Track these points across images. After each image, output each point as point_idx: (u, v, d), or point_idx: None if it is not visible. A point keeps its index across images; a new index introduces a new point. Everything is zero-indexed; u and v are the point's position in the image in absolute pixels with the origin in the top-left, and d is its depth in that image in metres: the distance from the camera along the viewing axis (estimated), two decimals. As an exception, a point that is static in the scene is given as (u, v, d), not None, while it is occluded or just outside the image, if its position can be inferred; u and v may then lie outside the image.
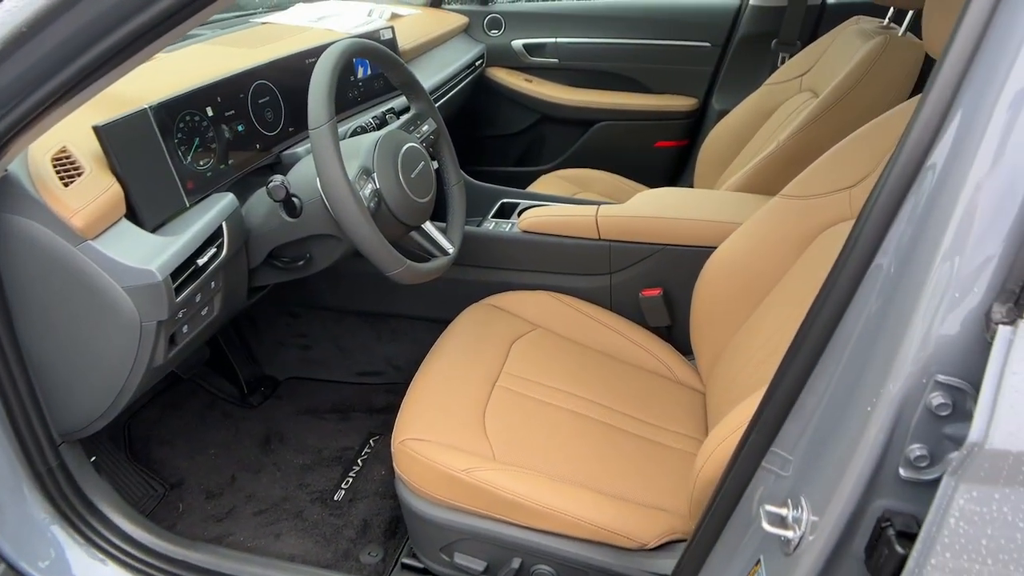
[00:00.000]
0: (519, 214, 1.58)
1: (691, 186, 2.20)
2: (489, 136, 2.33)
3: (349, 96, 1.39)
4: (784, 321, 1.03)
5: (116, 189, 0.88)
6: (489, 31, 2.18)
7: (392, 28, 1.59)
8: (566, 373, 1.21)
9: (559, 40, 2.16)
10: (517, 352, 1.25)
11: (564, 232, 1.41)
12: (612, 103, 2.17)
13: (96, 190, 0.86)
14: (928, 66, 1.37)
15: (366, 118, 1.32)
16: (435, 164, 1.29)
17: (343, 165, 0.94)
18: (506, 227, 1.51)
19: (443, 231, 1.24)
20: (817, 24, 1.96)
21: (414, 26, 1.88)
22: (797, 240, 1.12)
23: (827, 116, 1.41)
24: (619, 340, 1.34)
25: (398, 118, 1.31)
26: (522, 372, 1.19)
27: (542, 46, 2.17)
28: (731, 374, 1.12)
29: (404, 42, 1.68)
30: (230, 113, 1.08)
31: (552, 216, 1.42)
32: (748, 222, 1.20)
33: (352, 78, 1.40)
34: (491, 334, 1.29)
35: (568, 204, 1.58)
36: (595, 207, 1.40)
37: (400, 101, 1.48)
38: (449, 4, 2.21)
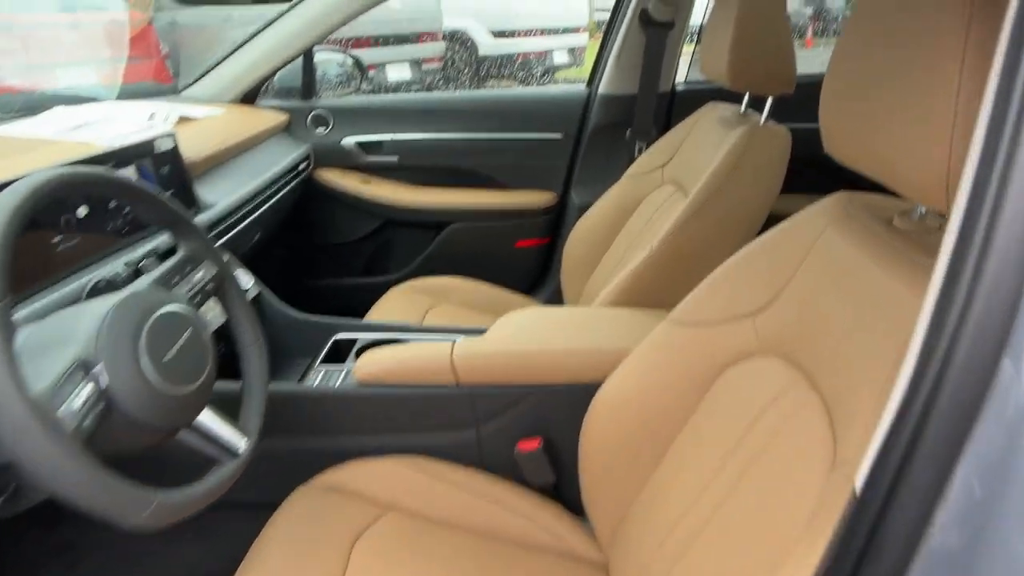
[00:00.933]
0: (357, 355, 1.27)
1: (558, 287, 1.99)
2: (326, 246, 2.00)
3: (89, 232, 1.00)
4: (705, 483, 0.82)
5: None
6: (315, 129, 1.89)
7: (173, 136, 1.25)
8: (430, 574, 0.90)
9: (398, 136, 1.91)
10: (361, 556, 0.92)
11: (413, 380, 1.10)
12: (464, 202, 1.94)
13: None
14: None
15: (115, 265, 0.95)
16: (223, 319, 0.95)
17: (14, 371, 0.58)
18: (339, 376, 1.18)
19: (233, 420, 0.88)
20: (670, 111, 1.86)
21: (215, 129, 1.55)
22: (698, 378, 0.91)
23: (700, 214, 1.25)
24: (496, 513, 1.04)
25: (162, 262, 0.96)
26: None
27: (378, 144, 1.91)
28: (645, 547, 0.87)
29: (196, 151, 1.34)
30: None
31: (396, 361, 1.11)
32: (636, 353, 0.97)
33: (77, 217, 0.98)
34: (324, 534, 0.95)
35: (417, 339, 1.29)
36: (450, 343, 1.12)
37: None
38: (265, 100, 1.90)
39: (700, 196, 1.24)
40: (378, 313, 1.61)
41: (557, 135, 1.91)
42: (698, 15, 1.82)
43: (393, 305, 1.65)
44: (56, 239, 0.92)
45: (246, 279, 1.30)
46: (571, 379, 1.10)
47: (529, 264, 2.05)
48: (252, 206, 1.48)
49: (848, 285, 0.73)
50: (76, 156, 1.04)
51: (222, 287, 0.93)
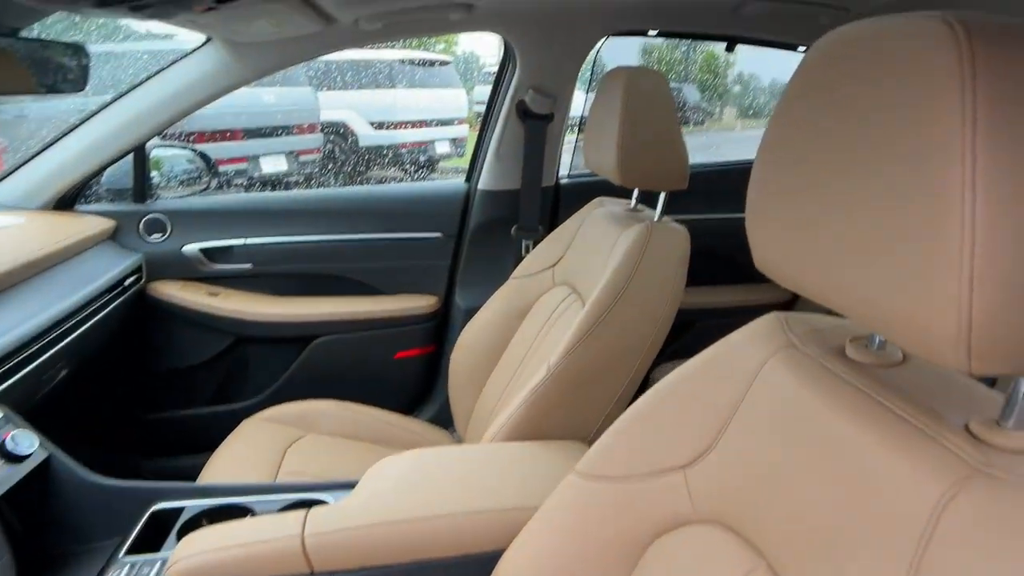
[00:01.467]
0: (180, 534, 0.98)
1: (444, 402, 1.77)
2: (166, 372, 1.68)
3: None
4: None
5: None
6: (149, 236, 1.60)
7: None
8: None
9: (251, 241, 1.66)
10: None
11: (250, 575, 0.83)
12: (333, 312, 1.70)
13: None
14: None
15: None
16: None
17: None
18: (151, 573, 0.89)
19: None
20: (556, 206, 1.75)
21: (7, 244, 1.25)
22: (624, 550, 0.71)
23: (601, 327, 1.09)
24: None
25: None
26: None
27: (228, 250, 1.65)
28: None
29: None
30: None
31: (224, 550, 0.83)
32: (542, 516, 0.76)
33: None
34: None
35: (263, 503, 1.02)
36: (300, 519, 0.86)
37: None
38: (87, 204, 1.60)
39: (600, 306, 1.08)
40: (225, 457, 1.31)
41: (436, 234, 1.74)
42: (577, 106, 1.75)
43: (246, 443, 1.36)
44: None
45: (27, 442, 0.99)
46: (463, 551, 0.87)
47: (411, 378, 1.82)
48: (54, 336, 1.17)
49: (800, 435, 0.57)
50: None
51: None
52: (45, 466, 1.02)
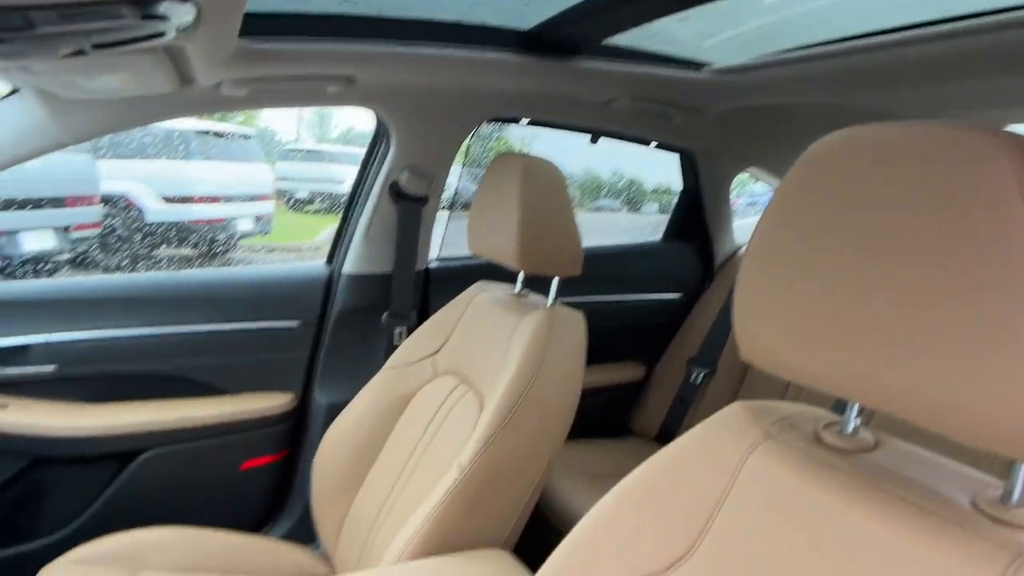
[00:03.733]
0: None
1: (301, 516, 1.56)
2: None
3: None
4: None
5: None
6: None
7: None
8: None
9: (55, 337, 1.35)
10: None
11: None
12: (164, 420, 1.42)
13: None
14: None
15: None
16: None
17: None
18: None
19: None
20: (425, 293, 1.68)
21: None
22: None
23: (514, 423, 1.03)
24: None
25: None
26: None
27: (22, 349, 1.32)
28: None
29: None
30: None
31: None
32: None
33: None
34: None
35: None
36: None
37: None
38: None
39: (509, 399, 1.03)
40: None
41: (293, 323, 1.57)
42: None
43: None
44: None
45: None
46: None
47: (261, 490, 1.57)
48: None
49: (801, 526, 0.57)
50: None
51: None
52: None
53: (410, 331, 1.42)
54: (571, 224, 1.18)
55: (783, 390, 1.70)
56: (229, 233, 6.19)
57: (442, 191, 1.60)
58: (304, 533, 1.50)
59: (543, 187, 1.16)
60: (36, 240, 4.46)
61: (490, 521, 1.03)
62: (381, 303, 1.59)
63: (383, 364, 1.34)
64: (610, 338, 1.93)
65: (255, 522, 1.54)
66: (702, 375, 1.90)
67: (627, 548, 0.66)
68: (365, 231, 1.57)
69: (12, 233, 4.31)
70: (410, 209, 1.55)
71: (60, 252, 4.61)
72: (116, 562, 1.14)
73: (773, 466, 0.61)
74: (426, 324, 1.36)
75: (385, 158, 1.53)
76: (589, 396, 1.94)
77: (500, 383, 1.06)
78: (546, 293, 1.20)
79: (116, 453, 1.38)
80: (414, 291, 1.60)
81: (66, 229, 4.73)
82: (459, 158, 1.67)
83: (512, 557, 1.00)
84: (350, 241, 1.59)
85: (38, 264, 4.44)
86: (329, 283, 1.60)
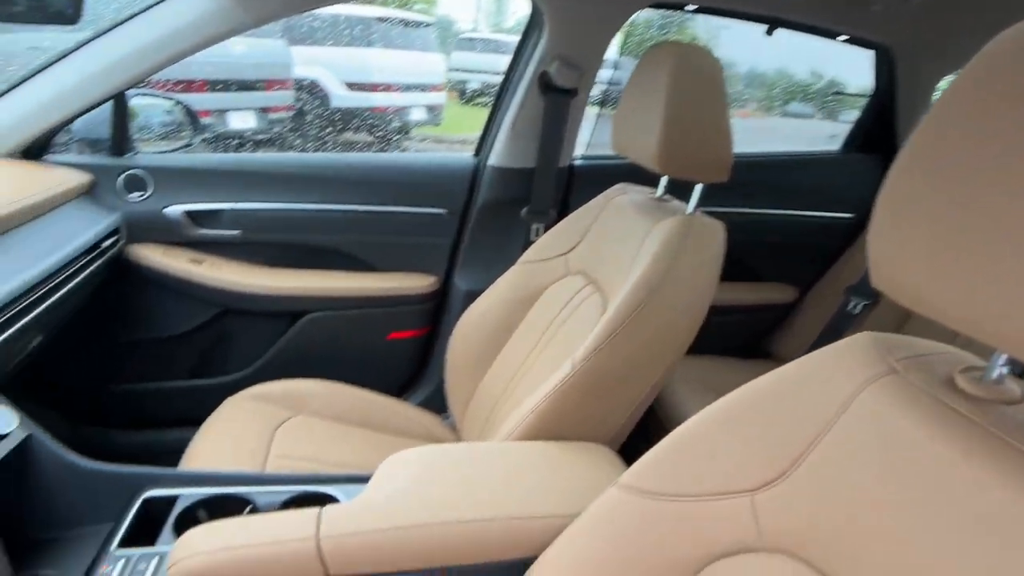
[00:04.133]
0: (177, 526, 0.89)
1: (436, 387, 1.70)
2: (144, 341, 1.55)
3: None
4: None
5: None
6: (128, 194, 1.46)
7: None
8: None
9: (241, 206, 1.54)
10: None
11: (258, 577, 0.75)
12: (325, 287, 1.59)
13: None
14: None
15: None
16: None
17: None
18: (146, 574, 0.80)
19: None
20: (567, 190, 1.67)
21: None
22: (671, 568, 0.66)
23: (632, 326, 1.02)
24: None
25: None
26: None
27: (215, 213, 1.52)
28: None
29: None
30: None
31: (231, 552, 0.75)
32: (581, 527, 0.71)
33: None
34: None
35: (266, 495, 0.94)
36: (313, 518, 0.78)
37: None
38: (57, 155, 1.45)
39: (632, 303, 1.02)
40: (210, 437, 1.21)
41: (440, 210, 1.65)
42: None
43: (232, 422, 1.26)
44: None
45: (6, 419, 0.88)
46: (490, 558, 0.81)
47: (403, 360, 1.73)
48: (27, 303, 1.05)
49: (905, 471, 0.52)
50: None
51: None
52: (23, 447, 0.91)
53: (547, 228, 1.43)
54: (722, 125, 1.09)
55: (951, 338, 1.52)
56: (403, 122, 6.49)
57: (592, 84, 1.54)
58: (437, 403, 1.64)
59: (695, 81, 1.08)
60: (240, 120, 4.99)
61: (596, 418, 1.06)
62: (522, 198, 1.61)
63: (519, 257, 1.38)
64: (760, 255, 1.82)
65: (395, 388, 1.71)
66: (861, 306, 1.73)
67: (719, 460, 0.65)
68: (512, 124, 1.57)
69: (222, 112, 4.85)
70: (558, 102, 1.52)
71: (258, 132, 5.13)
72: (280, 403, 1.34)
73: (888, 404, 0.56)
74: (562, 223, 1.36)
75: (537, 47, 1.49)
76: (726, 313, 1.88)
77: (624, 287, 1.05)
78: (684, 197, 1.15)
79: (285, 312, 1.59)
80: (555, 188, 1.60)
81: (264, 111, 5.23)
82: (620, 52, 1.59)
83: (612, 453, 1.03)
84: (497, 134, 1.61)
85: (240, 141, 4.99)
86: (475, 174, 1.65)
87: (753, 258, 1.82)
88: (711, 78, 1.08)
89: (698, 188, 1.13)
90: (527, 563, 0.74)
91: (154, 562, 0.81)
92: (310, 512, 0.79)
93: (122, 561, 0.82)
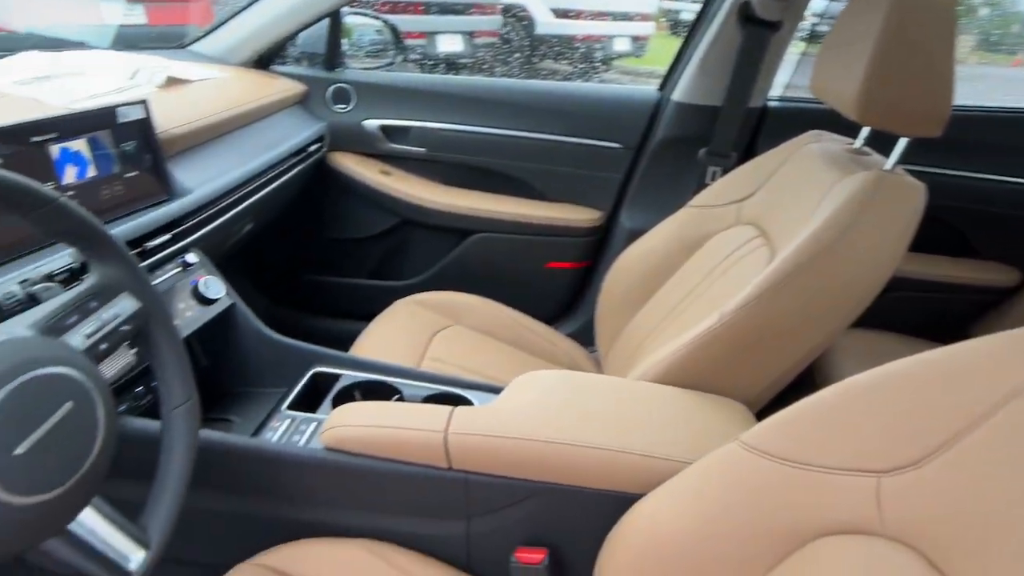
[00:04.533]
0: (335, 400, 1.03)
1: (587, 321, 1.71)
2: (333, 240, 1.75)
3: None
4: None
5: None
6: (334, 105, 1.62)
7: (145, 104, 1.00)
8: None
9: (428, 124, 1.63)
10: None
11: (393, 455, 0.85)
12: (494, 210, 1.66)
13: None
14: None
15: (5, 283, 0.70)
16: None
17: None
18: (307, 430, 0.94)
19: (130, 523, 0.63)
20: (756, 133, 1.55)
21: (209, 97, 1.30)
22: (783, 538, 0.66)
23: (795, 283, 0.95)
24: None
25: (65, 288, 0.71)
26: None
27: (404, 130, 1.64)
28: None
29: (178, 122, 1.10)
30: None
31: (375, 430, 0.85)
32: (694, 474, 0.70)
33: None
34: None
35: (411, 388, 1.04)
36: (446, 415, 0.86)
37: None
38: (281, 66, 1.63)
39: (797, 259, 0.94)
40: (377, 332, 1.36)
41: (616, 145, 1.62)
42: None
43: (397, 323, 1.39)
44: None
45: (216, 288, 1.06)
46: (596, 484, 0.83)
47: (558, 290, 1.77)
48: (245, 192, 1.23)
49: None
50: (15, 118, 0.82)
51: (145, 330, 0.67)
52: (228, 312, 1.09)
53: (725, 172, 1.35)
54: (944, 71, 0.93)
55: None
56: (605, 52, 6.33)
57: (800, 16, 1.38)
58: (585, 337, 1.67)
59: (918, 19, 0.92)
60: (448, 43, 5.20)
61: (738, 374, 1.01)
62: (703, 137, 1.53)
63: (689, 201, 1.32)
64: (978, 227, 1.56)
65: (548, 316, 1.76)
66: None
67: (851, 435, 0.61)
68: (703, 58, 1.47)
69: (431, 35, 5.09)
70: (757, 36, 1.39)
71: (463, 57, 5.32)
72: (441, 311, 1.45)
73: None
74: (742, 168, 1.28)
75: (741, -27, 1.37)
76: (923, 289, 1.65)
77: (796, 239, 0.97)
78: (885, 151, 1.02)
79: (456, 229, 1.69)
80: (741, 129, 1.49)
81: (471, 35, 5.39)
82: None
83: (746, 412, 0.98)
84: (685, 67, 1.52)
85: (448, 64, 5.22)
86: (656, 109, 1.58)
87: (968, 230, 1.56)
88: (940, 17, 0.92)
89: (902, 142, 0.99)
90: (631, 499, 0.75)
91: (312, 425, 0.95)
92: (445, 409, 0.87)
93: (288, 420, 0.97)
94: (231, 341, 1.10)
